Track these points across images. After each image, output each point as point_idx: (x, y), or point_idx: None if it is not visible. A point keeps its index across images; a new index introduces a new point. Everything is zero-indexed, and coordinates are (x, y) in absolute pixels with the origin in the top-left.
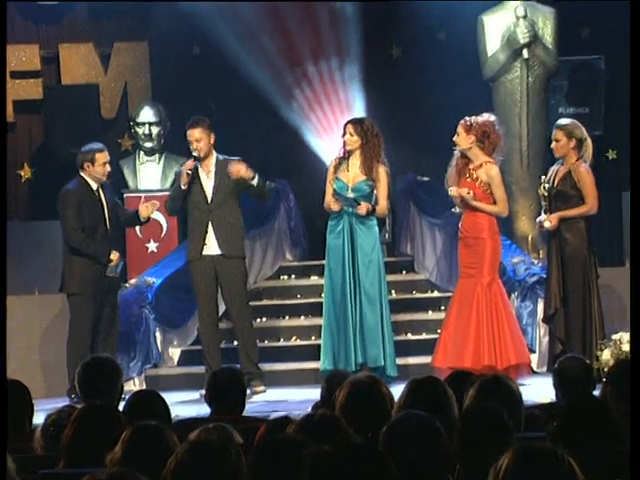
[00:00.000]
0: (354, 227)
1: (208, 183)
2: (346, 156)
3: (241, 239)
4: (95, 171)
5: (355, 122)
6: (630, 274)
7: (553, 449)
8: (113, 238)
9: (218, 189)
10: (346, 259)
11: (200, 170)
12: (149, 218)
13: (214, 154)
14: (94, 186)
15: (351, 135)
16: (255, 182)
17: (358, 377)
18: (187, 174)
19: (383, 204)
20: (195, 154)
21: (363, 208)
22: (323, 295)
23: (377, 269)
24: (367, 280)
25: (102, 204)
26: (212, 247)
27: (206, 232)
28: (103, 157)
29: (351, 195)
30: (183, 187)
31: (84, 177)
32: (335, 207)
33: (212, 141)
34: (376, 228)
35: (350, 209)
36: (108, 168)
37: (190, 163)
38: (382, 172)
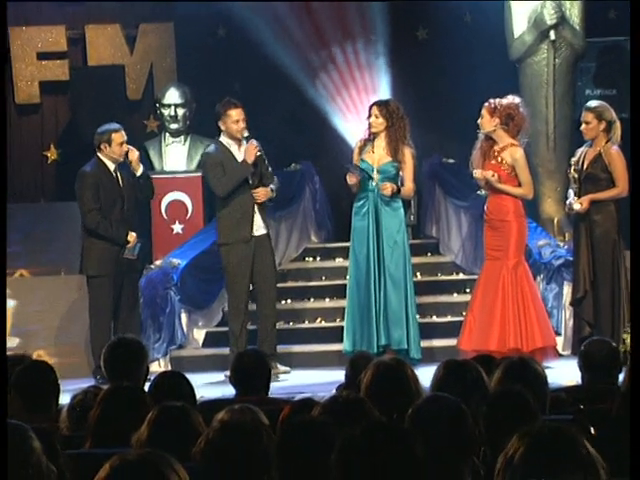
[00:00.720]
0: (379, 209)
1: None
2: (371, 138)
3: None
4: (112, 151)
5: (380, 104)
6: (631, 267)
7: (566, 431)
8: (130, 218)
9: (255, 171)
10: (371, 241)
11: (238, 153)
12: (143, 172)
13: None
14: (111, 167)
15: (376, 117)
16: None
17: (383, 359)
18: (258, 155)
19: (410, 186)
20: (246, 134)
21: (388, 188)
22: (347, 277)
23: (402, 251)
24: (392, 262)
25: (119, 185)
26: (259, 228)
27: (253, 213)
28: (120, 137)
29: (376, 176)
30: (252, 169)
31: (101, 158)
32: (352, 180)
33: None
34: (401, 210)
35: (375, 190)
36: (125, 148)
37: (255, 145)
38: (408, 154)
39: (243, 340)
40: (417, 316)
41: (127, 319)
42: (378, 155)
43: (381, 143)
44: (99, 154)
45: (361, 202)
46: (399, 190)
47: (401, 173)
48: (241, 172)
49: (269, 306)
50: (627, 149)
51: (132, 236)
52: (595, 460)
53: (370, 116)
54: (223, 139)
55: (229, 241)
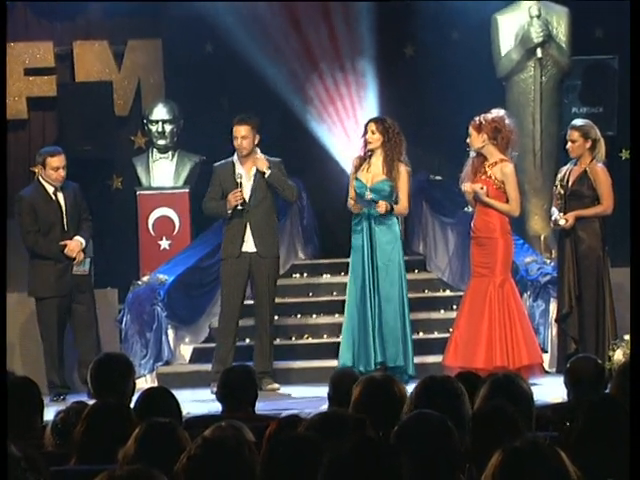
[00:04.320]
0: (373, 227)
1: (247, 183)
2: (367, 156)
3: (275, 239)
4: (47, 175)
5: (377, 120)
6: (630, 277)
7: (542, 445)
8: (71, 238)
9: (256, 190)
10: (365, 258)
11: (240, 169)
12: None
13: (257, 154)
14: (50, 189)
15: (373, 133)
16: (267, 175)
17: (373, 375)
18: (235, 206)
19: (404, 203)
20: (244, 152)
21: (382, 206)
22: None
23: (397, 268)
24: (387, 279)
25: (59, 206)
26: (249, 245)
27: (244, 231)
28: (54, 161)
29: (369, 196)
30: (229, 212)
31: (40, 180)
32: (355, 209)
33: (256, 141)
34: (396, 227)
35: (371, 210)
36: (62, 173)
37: (239, 194)
38: (403, 171)
39: (226, 355)
40: (412, 333)
41: (84, 339)
42: (372, 173)
43: (377, 161)
44: (39, 176)
45: (357, 220)
46: (393, 208)
47: (396, 190)
48: (219, 211)
49: (264, 322)
50: (612, 166)
51: (71, 250)
52: (571, 473)
53: (366, 133)
54: (235, 155)
55: (223, 256)
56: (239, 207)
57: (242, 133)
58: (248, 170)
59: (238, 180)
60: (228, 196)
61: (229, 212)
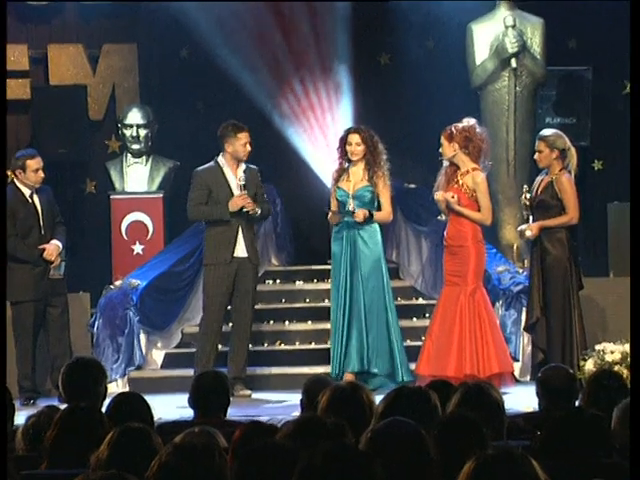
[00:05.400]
0: (356, 235)
1: (235, 190)
2: (345, 166)
3: (256, 246)
4: (27, 178)
5: (358, 131)
6: (630, 284)
7: (514, 453)
8: (50, 241)
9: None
10: (343, 266)
11: (230, 176)
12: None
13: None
14: (27, 192)
15: (358, 145)
16: (257, 214)
17: (339, 383)
18: (241, 209)
19: (387, 209)
20: (247, 157)
21: (360, 215)
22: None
23: (381, 276)
24: (368, 287)
25: (36, 209)
26: (241, 250)
27: (237, 236)
28: (34, 164)
29: (352, 205)
30: (230, 216)
31: (17, 184)
32: (333, 221)
33: None
34: (379, 236)
35: (351, 216)
36: (41, 174)
37: (245, 198)
38: (384, 178)
39: (211, 361)
40: (402, 339)
41: (58, 343)
42: (354, 181)
43: (357, 169)
44: (15, 180)
45: (338, 227)
46: (372, 215)
47: (379, 197)
48: (218, 215)
49: (244, 328)
50: (585, 177)
51: (50, 253)
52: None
53: (348, 144)
54: (221, 160)
55: (212, 262)
56: (245, 210)
57: (249, 139)
58: (238, 177)
59: (242, 183)
60: (233, 199)
61: (228, 217)
